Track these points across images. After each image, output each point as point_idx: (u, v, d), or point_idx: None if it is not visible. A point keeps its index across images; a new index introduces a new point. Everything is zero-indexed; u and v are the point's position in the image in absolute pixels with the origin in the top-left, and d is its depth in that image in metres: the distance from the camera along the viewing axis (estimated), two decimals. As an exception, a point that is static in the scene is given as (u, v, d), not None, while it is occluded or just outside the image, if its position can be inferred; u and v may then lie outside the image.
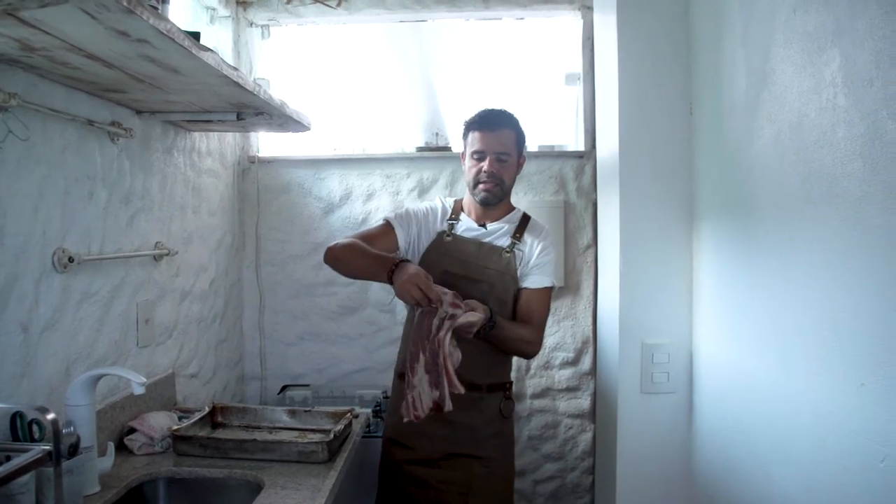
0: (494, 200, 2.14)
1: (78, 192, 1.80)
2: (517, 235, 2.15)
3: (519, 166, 2.18)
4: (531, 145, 3.01)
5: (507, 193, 2.18)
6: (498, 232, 2.16)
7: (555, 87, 3.09)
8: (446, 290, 1.81)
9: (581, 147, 2.99)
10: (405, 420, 1.87)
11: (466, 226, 2.18)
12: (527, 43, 3.11)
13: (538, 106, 3.10)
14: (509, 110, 2.17)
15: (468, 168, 2.15)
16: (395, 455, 2.19)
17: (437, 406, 1.78)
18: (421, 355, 1.80)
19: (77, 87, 1.76)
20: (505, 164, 2.11)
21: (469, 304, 1.87)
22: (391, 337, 3.00)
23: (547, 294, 2.17)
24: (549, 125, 3.10)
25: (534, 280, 2.13)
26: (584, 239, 2.97)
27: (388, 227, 2.17)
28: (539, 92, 3.10)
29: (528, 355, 2.23)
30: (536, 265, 2.13)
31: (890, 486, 1.19)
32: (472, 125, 2.14)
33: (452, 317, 1.77)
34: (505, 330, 2.01)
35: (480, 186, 2.11)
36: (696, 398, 2.10)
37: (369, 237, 2.11)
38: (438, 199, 2.28)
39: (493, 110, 2.15)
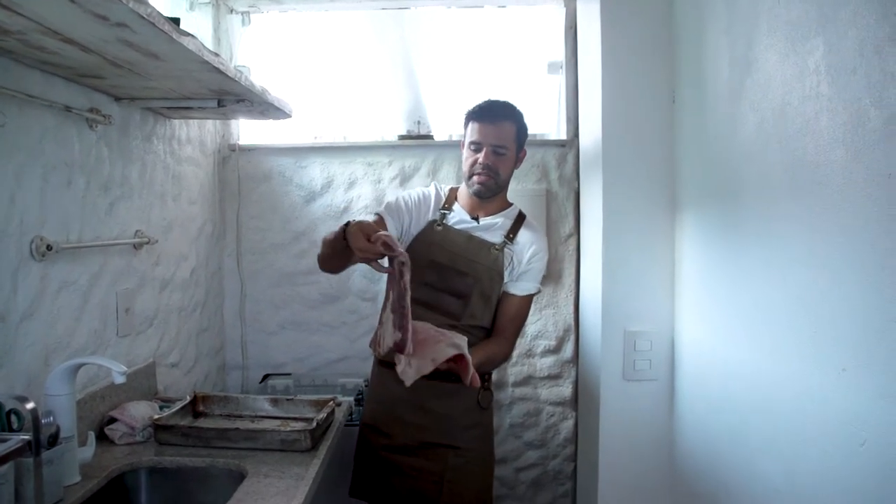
0: (488, 193, 2.12)
1: (56, 179, 1.77)
2: (510, 236, 2.14)
3: (518, 160, 2.17)
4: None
5: (503, 187, 2.17)
6: (491, 227, 2.15)
7: (537, 76, 3.09)
8: (380, 233, 1.68)
9: (563, 136, 2.99)
10: (374, 354, 1.85)
11: (459, 217, 2.16)
12: (509, 31, 3.10)
13: (520, 95, 3.08)
14: (512, 103, 2.15)
15: (465, 158, 2.13)
16: (371, 441, 2.20)
17: (398, 347, 1.72)
18: (391, 293, 1.74)
19: (54, 73, 1.73)
20: (502, 158, 2.09)
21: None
22: (373, 325, 2.96)
23: (530, 300, 2.20)
24: (531, 114, 3.08)
25: (521, 287, 2.14)
26: (566, 227, 2.98)
27: (379, 220, 2.14)
28: (521, 80, 3.09)
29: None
30: (526, 271, 2.14)
31: (870, 470, 1.21)
32: (472, 115, 2.12)
33: (403, 263, 1.68)
34: (480, 367, 1.97)
35: (475, 178, 2.09)
36: (678, 385, 2.11)
37: None
38: (433, 186, 2.25)
39: (495, 101, 2.13)
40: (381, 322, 1.79)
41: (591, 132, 2.33)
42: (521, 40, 3.10)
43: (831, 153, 1.29)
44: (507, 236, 2.14)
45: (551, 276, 2.98)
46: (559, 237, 2.99)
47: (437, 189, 2.24)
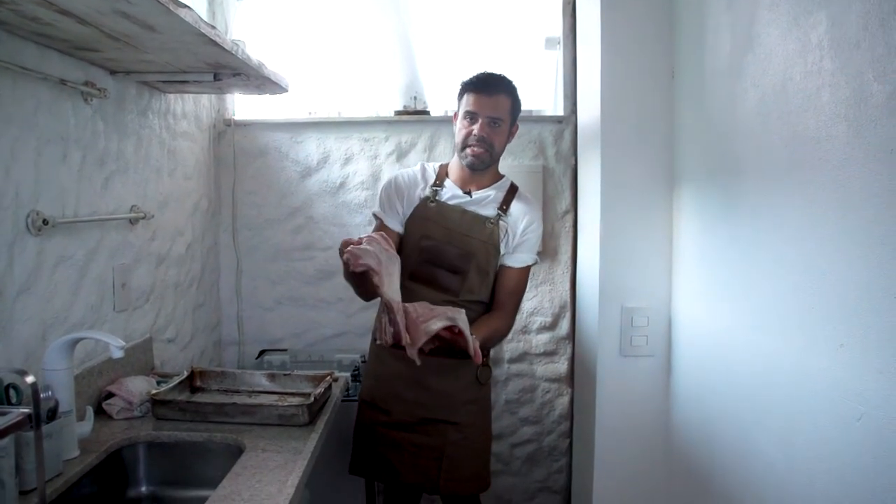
0: (481, 166, 2.11)
1: (51, 153, 1.76)
2: (503, 208, 2.14)
3: (511, 134, 2.16)
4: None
5: (496, 160, 2.16)
6: (484, 200, 2.15)
7: (534, 52, 3.07)
8: (347, 249, 1.73)
9: (560, 112, 2.98)
10: (378, 342, 1.86)
11: (451, 192, 2.16)
12: (506, 6, 3.07)
13: (517, 70, 3.07)
14: (508, 77, 2.14)
15: (458, 130, 2.12)
16: (370, 417, 2.20)
17: (396, 339, 1.74)
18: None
19: (49, 45, 1.71)
20: (497, 130, 2.08)
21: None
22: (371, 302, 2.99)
23: (528, 272, 2.19)
24: (528, 90, 3.07)
25: (517, 259, 2.14)
26: (563, 204, 2.97)
27: (380, 224, 2.16)
28: (518, 56, 3.07)
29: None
30: (521, 242, 2.13)
31: (866, 444, 1.22)
32: (468, 86, 2.10)
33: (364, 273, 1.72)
34: (486, 343, 2.01)
35: (469, 150, 2.08)
36: (675, 361, 2.12)
37: None
38: (421, 165, 2.25)
39: (492, 74, 2.12)
40: (383, 310, 1.80)
41: (589, 108, 2.32)
42: (519, 15, 3.08)
43: (833, 129, 1.29)
44: (500, 208, 2.14)
45: (548, 252, 2.98)
46: (556, 214, 2.98)
47: (423, 167, 2.24)
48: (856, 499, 1.25)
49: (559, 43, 2.97)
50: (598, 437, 2.20)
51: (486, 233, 2.10)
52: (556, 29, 2.97)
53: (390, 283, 1.71)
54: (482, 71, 2.13)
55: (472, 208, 2.13)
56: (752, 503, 1.63)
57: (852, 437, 1.25)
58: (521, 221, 2.13)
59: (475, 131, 2.06)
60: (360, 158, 3.00)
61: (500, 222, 2.12)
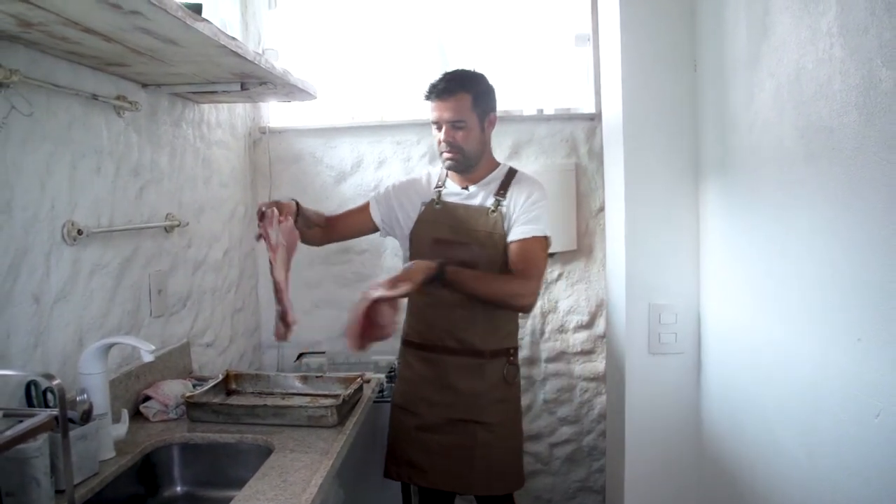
0: (460, 168, 2.14)
1: (85, 166, 1.82)
2: (501, 192, 2.13)
3: (489, 124, 2.15)
4: (546, 108, 2.98)
5: (474, 157, 2.13)
6: (481, 193, 2.16)
7: (565, 49, 3.06)
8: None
9: (593, 109, 2.96)
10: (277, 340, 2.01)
11: (451, 190, 2.20)
12: (537, 4, 3.07)
13: (550, 68, 3.07)
14: (468, 70, 2.14)
15: (434, 137, 2.16)
16: (401, 421, 2.23)
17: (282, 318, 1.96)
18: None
19: (79, 62, 1.78)
20: (461, 132, 2.08)
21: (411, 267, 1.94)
22: (404, 304, 3.02)
23: (535, 243, 2.08)
24: (560, 87, 3.08)
25: (518, 231, 2.07)
26: (597, 201, 2.95)
27: (365, 205, 2.29)
28: (550, 54, 3.07)
29: (521, 308, 2.14)
30: (520, 215, 2.09)
31: (884, 440, 1.19)
32: (427, 95, 2.12)
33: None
34: (467, 282, 1.98)
35: (444, 156, 2.12)
36: (704, 358, 2.09)
37: (346, 212, 2.33)
38: (426, 171, 2.32)
39: (444, 76, 2.11)
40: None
41: (613, 104, 2.31)
42: (549, 13, 3.07)
43: (844, 117, 1.26)
44: (497, 194, 2.13)
45: (582, 250, 2.97)
46: (589, 211, 2.97)
47: (428, 173, 2.30)
48: (878, 500, 1.22)
49: (588, 39, 2.95)
50: (629, 435, 2.18)
51: (490, 223, 2.11)
52: (586, 26, 2.96)
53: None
54: (439, 76, 2.12)
55: (471, 202, 2.16)
56: (779, 503, 1.60)
57: (871, 434, 1.23)
58: (521, 198, 2.10)
59: (441, 138, 2.10)
60: (394, 161, 3.03)
61: (500, 208, 2.11)
